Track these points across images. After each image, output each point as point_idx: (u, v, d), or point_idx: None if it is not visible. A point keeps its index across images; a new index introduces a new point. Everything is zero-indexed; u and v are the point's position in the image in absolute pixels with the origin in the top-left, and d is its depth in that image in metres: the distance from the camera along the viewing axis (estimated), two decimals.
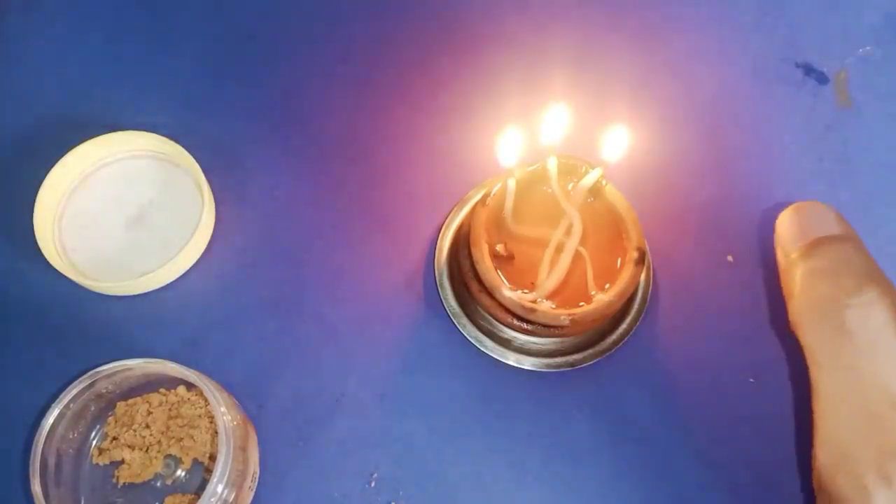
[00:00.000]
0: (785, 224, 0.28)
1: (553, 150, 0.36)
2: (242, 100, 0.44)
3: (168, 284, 0.40)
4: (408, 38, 0.46)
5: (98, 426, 0.36)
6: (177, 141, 0.41)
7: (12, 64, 0.46)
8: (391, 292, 0.40)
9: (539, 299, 0.35)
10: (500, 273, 0.36)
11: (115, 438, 0.35)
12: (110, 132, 0.41)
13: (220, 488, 0.31)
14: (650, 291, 0.40)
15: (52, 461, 0.32)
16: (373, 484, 0.36)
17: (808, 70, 0.46)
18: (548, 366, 0.38)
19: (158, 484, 0.35)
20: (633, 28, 0.47)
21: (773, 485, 0.36)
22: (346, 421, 0.37)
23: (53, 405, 0.33)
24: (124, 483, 0.35)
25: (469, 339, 0.38)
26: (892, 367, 0.22)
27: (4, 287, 0.40)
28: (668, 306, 0.40)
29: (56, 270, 0.38)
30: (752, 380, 0.38)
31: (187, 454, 0.35)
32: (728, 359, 0.39)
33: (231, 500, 0.32)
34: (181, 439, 0.35)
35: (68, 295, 0.39)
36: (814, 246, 0.25)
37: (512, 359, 0.38)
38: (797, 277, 0.25)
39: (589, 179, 0.36)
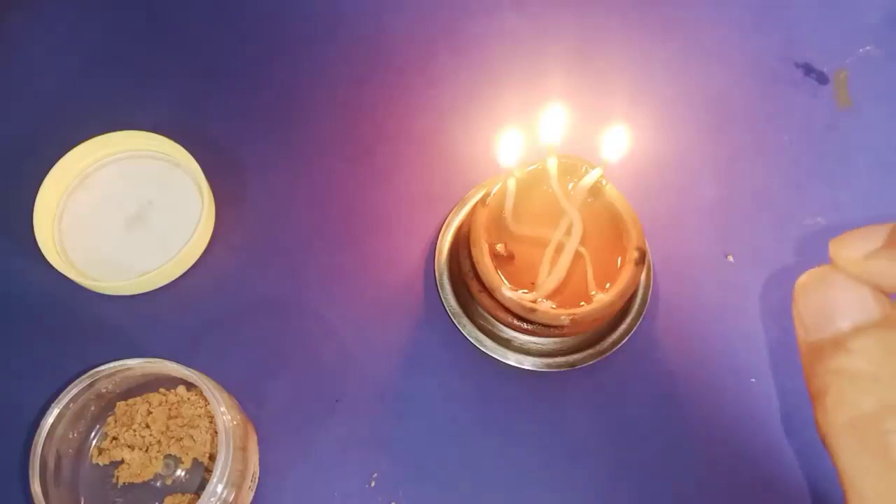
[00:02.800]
0: (808, 296, 0.22)
1: (553, 150, 0.36)
2: (242, 100, 0.45)
3: (168, 284, 0.40)
4: (407, 38, 0.46)
5: (98, 426, 0.36)
6: (177, 141, 0.41)
7: (12, 64, 0.46)
8: (391, 292, 0.40)
9: (539, 299, 0.35)
10: (500, 273, 0.36)
11: (114, 438, 0.35)
12: (110, 132, 0.41)
13: (220, 488, 0.31)
14: (650, 291, 0.40)
15: (51, 461, 0.32)
16: (373, 484, 0.36)
17: (808, 70, 0.46)
18: (548, 366, 0.38)
19: (158, 484, 0.35)
20: (632, 28, 0.47)
21: (773, 485, 0.36)
22: (345, 421, 0.37)
23: (53, 405, 0.33)
24: (124, 483, 0.35)
25: (469, 339, 0.38)
26: None
27: (4, 287, 0.40)
28: (668, 306, 0.40)
29: (56, 270, 0.38)
30: (752, 380, 0.38)
31: (187, 454, 0.35)
32: (728, 359, 0.39)
33: (231, 500, 0.32)
34: (181, 439, 0.35)
35: (68, 295, 0.39)
36: (847, 337, 0.20)
37: (512, 359, 0.38)
38: (826, 375, 0.21)
39: (589, 179, 0.36)
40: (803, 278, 0.22)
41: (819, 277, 0.21)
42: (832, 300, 0.21)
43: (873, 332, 0.20)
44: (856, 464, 0.20)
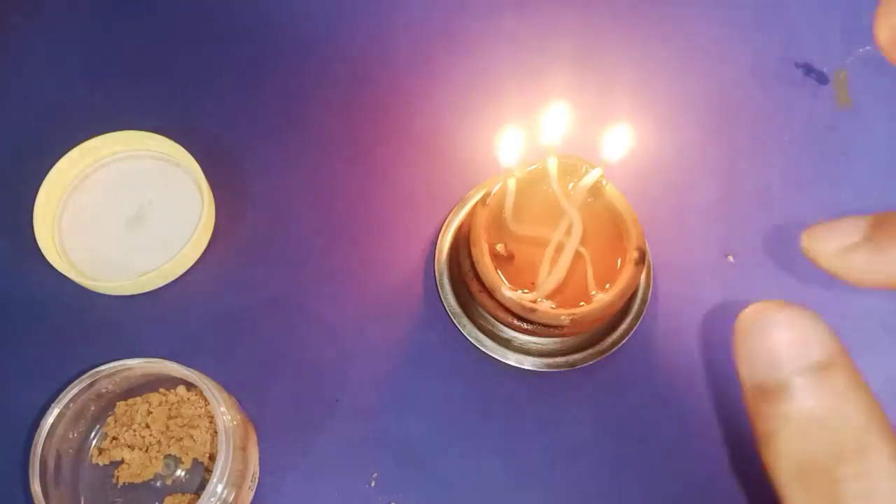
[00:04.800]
0: (751, 334, 0.20)
1: (553, 150, 0.36)
2: (242, 100, 0.44)
3: (168, 284, 0.40)
4: (407, 38, 0.46)
5: (98, 426, 0.36)
6: (177, 141, 0.41)
7: (12, 64, 0.46)
8: (391, 292, 0.40)
9: (539, 299, 0.35)
10: (500, 273, 0.36)
11: (114, 438, 0.35)
12: (110, 132, 0.41)
13: (220, 488, 0.31)
14: (650, 291, 0.40)
15: (51, 461, 0.32)
16: (373, 484, 0.36)
17: (808, 70, 0.46)
18: (548, 366, 0.38)
19: (158, 484, 0.35)
20: (633, 27, 0.47)
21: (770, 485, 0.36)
22: (345, 421, 0.37)
23: (53, 405, 0.33)
24: (124, 483, 0.35)
25: (469, 339, 0.38)
26: None
27: (4, 287, 0.40)
28: (668, 306, 0.40)
29: (56, 270, 0.38)
30: None
31: (187, 454, 0.35)
32: (728, 359, 0.39)
33: (231, 500, 0.32)
34: (181, 439, 0.35)
35: (68, 295, 0.39)
36: (792, 380, 0.19)
37: (512, 359, 0.38)
38: (772, 419, 0.20)
39: (589, 179, 0.36)
40: (744, 314, 0.21)
41: (761, 315, 0.20)
42: (776, 340, 0.20)
43: (818, 375, 0.19)
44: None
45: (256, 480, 0.35)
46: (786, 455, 0.19)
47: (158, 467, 0.35)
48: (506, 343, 0.38)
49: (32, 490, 0.31)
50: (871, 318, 0.40)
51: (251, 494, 0.35)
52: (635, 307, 0.39)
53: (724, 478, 0.37)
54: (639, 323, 0.39)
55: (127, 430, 0.35)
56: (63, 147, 0.41)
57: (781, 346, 0.20)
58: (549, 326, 0.35)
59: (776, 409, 0.20)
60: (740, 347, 0.21)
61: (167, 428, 0.35)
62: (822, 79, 0.46)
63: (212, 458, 0.35)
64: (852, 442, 0.19)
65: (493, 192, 0.36)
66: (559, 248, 0.36)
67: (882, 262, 0.20)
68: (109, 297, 0.39)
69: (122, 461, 0.35)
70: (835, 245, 0.20)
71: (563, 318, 0.34)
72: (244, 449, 0.33)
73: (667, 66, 0.46)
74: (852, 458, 0.18)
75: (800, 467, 0.19)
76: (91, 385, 0.33)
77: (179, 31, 0.47)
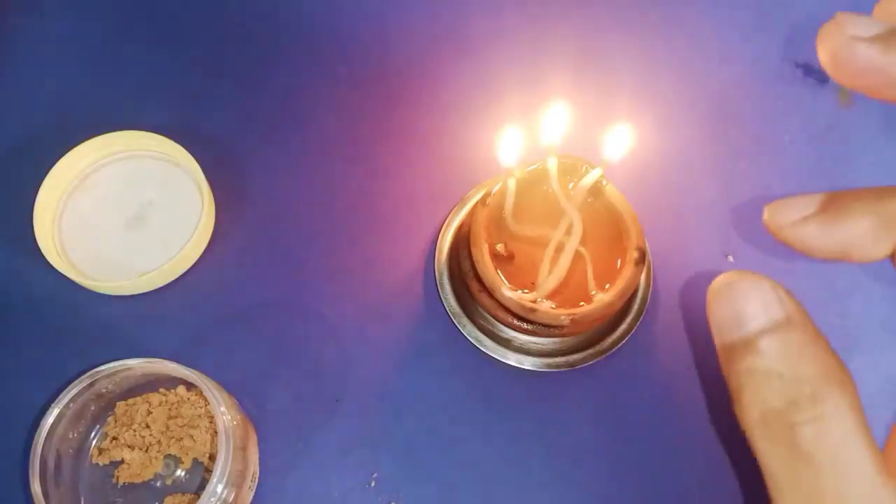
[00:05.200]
0: (719, 300, 0.23)
1: (553, 150, 0.36)
2: (242, 100, 0.44)
3: (168, 284, 0.40)
4: (407, 38, 0.46)
5: (98, 426, 0.36)
6: (177, 141, 0.41)
7: (12, 64, 0.46)
8: (391, 292, 0.40)
9: (539, 299, 0.35)
10: (500, 273, 0.36)
11: (114, 438, 0.35)
12: (110, 132, 0.41)
13: (220, 488, 0.31)
14: (650, 291, 0.40)
15: (51, 461, 0.32)
16: (373, 484, 0.36)
17: (808, 70, 0.46)
18: (548, 366, 0.38)
19: (158, 484, 0.35)
20: (633, 27, 0.47)
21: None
22: (345, 421, 0.37)
23: (53, 405, 0.33)
24: (124, 483, 0.35)
25: (469, 339, 0.38)
26: (858, 486, 0.19)
27: (4, 287, 0.40)
28: (668, 306, 0.40)
29: (56, 270, 0.38)
30: None
31: (187, 454, 0.35)
32: None
33: (231, 500, 0.32)
34: (181, 439, 0.35)
35: (68, 295, 0.39)
36: (755, 338, 0.22)
37: (512, 359, 0.38)
38: (740, 375, 0.22)
39: (589, 179, 0.36)
40: (715, 283, 0.23)
41: (728, 282, 0.23)
42: (740, 304, 0.22)
43: (778, 332, 0.21)
44: (770, 456, 0.21)
45: (256, 480, 0.35)
46: (750, 406, 0.22)
47: (158, 467, 0.35)
48: (506, 343, 0.38)
49: (32, 490, 0.31)
50: (871, 318, 0.40)
51: (251, 494, 0.35)
52: (635, 307, 0.39)
53: (724, 477, 0.37)
54: (639, 323, 0.39)
55: (127, 430, 0.35)
56: (63, 147, 0.41)
57: (744, 308, 0.22)
58: (549, 326, 0.35)
59: (742, 366, 0.22)
60: (711, 314, 0.23)
61: (167, 428, 0.35)
62: (822, 79, 0.46)
63: (212, 458, 0.35)
64: (808, 391, 0.20)
65: (493, 192, 0.36)
66: (559, 248, 0.36)
67: (832, 233, 0.22)
68: (109, 297, 0.39)
69: (122, 461, 0.35)
70: (791, 217, 0.23)
71: (563, 318, 0.34)
72: (244, 449, 0.33)
73: (667, 65, 0.46)
74: (808, 405, 0.20)
75: (762, 416, 0.21)
76: (91, 385, 0.33)
77: (180, 31, 0.47)
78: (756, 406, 0.21)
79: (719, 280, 0.23)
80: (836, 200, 0.23)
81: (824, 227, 0.22)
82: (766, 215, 0.23)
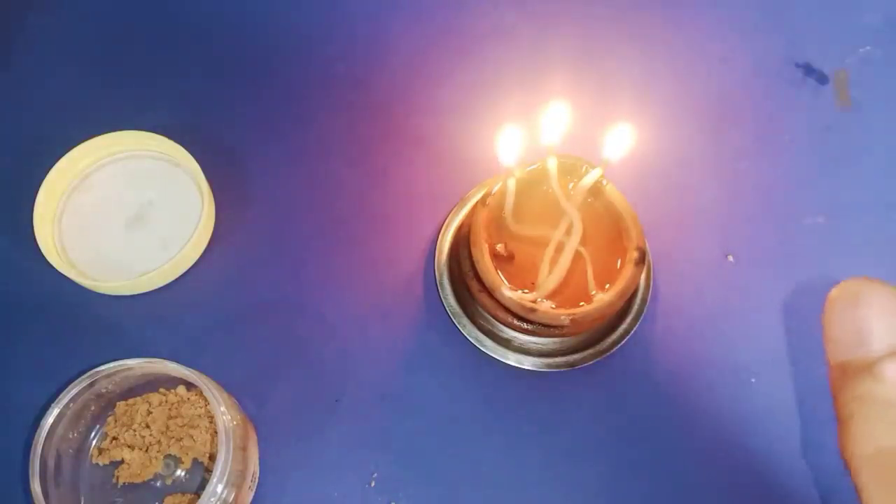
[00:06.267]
0: (841, 311, 0.20)
1: (553, 150, 0.36)
2: (242, 100, 0.44)
3: (168, 284, 0.40)
4: (407, 38, 0.46)
5: (98, 426, 0.36)
6: (177, 141, 0.41)
7: (13, 64, 0.46)
8: (391, 292, 0.40)
9: (539, 299, 0.35)
10: (500, 273, 0.36)
11: (115, 438, 0.35)
12: (110, 132, 0.41)
13: (220, 488, 0.31)
14: (650, 291, 0.40)
15: (51, 461, 0.32)
16: (373, 484, 0.36)
17: (808, 70, 0.46)
18: (548, 366, 0.38)
19: (158, 484, 0.35)
20: (633, 28, 0.47)
21: (773, 485, 0.36)
22: (346, 421, 0.37)
23: (53, 405, 0.33)
24: (124, 483, 0.35)
25: (469, 339, 0.38)
26: None
27: (4, 287, 0.40)
28: (668, 306, 0.40)
29: (56, 270, 0.38)
30: (752, 380, 0.38)
31: (187, 454, 0.35)
32: (728, 359, 0.39)
33: (231, 500, 0.32)
34: (181, 439, 0.35)
35: (68, 295, 0.39)
36: (880, 361, 0.19)
37: (512, 359, 0.38)
38: (853, 400, 0.19)
39: (589, 179, 0.36)
40: (836, 291, 0.20)
41: (854, 292, 0.20)
42: (867, 320, 0.19)
43: None
44: (879, 498, 0.18)
45: (256, 480, 0.35)
46: (862, 438, 0.19)
47: (158, 467, 0.35)
48: (506, 343, 0.38)
49: (32, 490, 0.31)
50: None
51: (251, 494, 0.35)
52: (635, 307, 0.39)
53: (724, 477, 0.37)
54: (639, 323, 0.39)
55: (127, 430, 0.35)
56: (63, 147, 0.41)
57: (870, 326, 0.19)
58: (549, 326, 0.35)
59: (857, 390, 0.19)
60: (828, 324, 0.20)
61: (167, 428, 0.35)
62: (822, 79, 0.46)
63: (212, 458, 0.35)
64: None
65: (493, 192, 0.36)
66: (559, 248, 0.36)
67: None
68: (109, 297, 0.39)
69: (122, 461, 0.35)
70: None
71: (563, 318, 0.34)
72: (244, 449, 0.33)
73: (667, 66, 0.46)
74: None
75: (876, 451, 0.18)
76: (91, 385, 0.33)
77: (180, 31, 0.47)
78: (868, 440, 0.19)
79: (843, 287, 0.20)
80: None
81: None
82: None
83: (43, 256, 0.38)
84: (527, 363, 0.38)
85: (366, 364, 0.38)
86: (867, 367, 0.19)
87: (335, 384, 0.38)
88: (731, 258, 0.41)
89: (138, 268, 0.39)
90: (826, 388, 0.20)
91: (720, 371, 0.39)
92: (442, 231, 0.41)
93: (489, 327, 0.38)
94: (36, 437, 0.32)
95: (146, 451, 0.35)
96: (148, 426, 0.35)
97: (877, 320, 0.19)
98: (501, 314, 0.36)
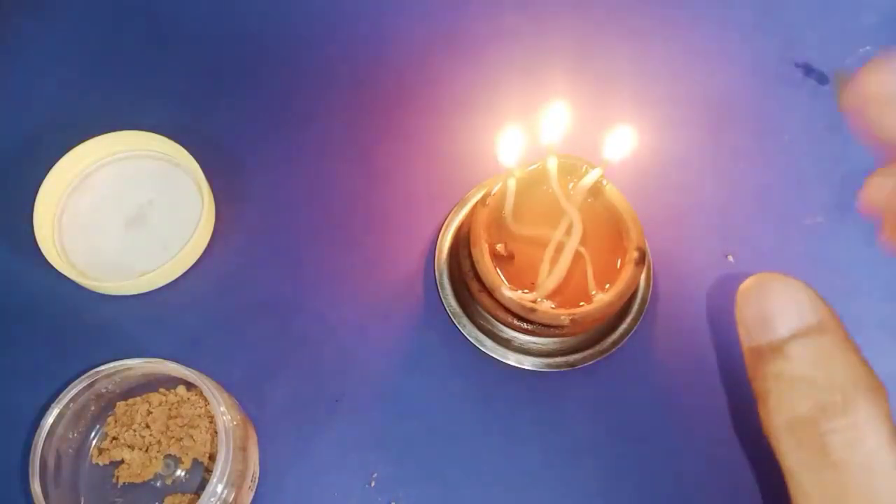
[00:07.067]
0: (748, 303, 0.22)
1: (553, 150, 0.36)
2: (242, 100, 0.44)
3: (168, 284, 0.40)
4: (408, 38, 0.46)
5: (98, 426, 0.36)
6: (177, 141, 0.41)
7: (12, 64, 0.46)
8: (391, 292, 0.40)
9: (539, 299, 0.35)
10: (500, 273, 0.36)
11: (114, 438, 0.35)
12: (110, 132, 0.41)
13: (219, 488, 0.31)
14: (650, 291, 0.40)
15: (51, 461, 0.32)
16: (373, 484, 0.36)
17: (808, 70, 0.46)
18: (548, 366, 0.38)
19: (158, 484, 0.35)
20: (633, 28, 0.47)
21: (773, 485, 0.36)
22: (345, 421, 0.37)
23: (53, 405, 0.33)
24: (124, 483, 0.35)
25: (469, 339, 0.38)
26: (890, 493, 0.19)
27: (4, 287, 0.40)
28: (668, 306, 0.40)
29: (56, 270, 0.38)
30: None
31: (187, 454, 0.35)
32: (728, 359, 0.39)
33: (231, 500, 0.32)
34: (181, 439, 0.35)
35: (68, 295, 0.39)
36: (785, 342, 0.21)
37: (512, 359, 0.38)
38: (767, 378, 0.21)
39: (589, 179, 0.36)
40: (745, 283, 0.23)
41: (759, 283, 0.23)
42: (771, 306, 0.22)
43: (809, 337, 0.21)
44: (797, 462, 0.21)
45: (256, 480, 0.35)
46: (777, 411, 0.21)
47: (158, 467, 0.35)
48: (506, 343, 0.38)
49: (32, 490, 0.31)
50: (870, 319, 0.40)
51: (251, 494, 0.35)
52: (635, 307, 0.39)
53: (725, 477, 0.37)
54: (639, 323, 0.39)
55: (127, 430, 0.35)
56: (63, 147, 0.41)
57: (775, 311, 0.22)
58: (549, 326, 0.35)
59: (770, 369, 0.22)
60: (740, 314, 0.23)
61: (167, 428, 0.35)
62: (822, 79, 0.46)
63: (212, 458, 0.35)
64: (840, 398, 0.20)
65: (493, 192, 0.36)
66: (559, 248, 0.36)
67: None
68: (109, 297, 0.39)
69: (122, 461, 0.35)
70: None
71: (563, 318, 0.34)
72: (244, 449, 0.33)
73: (667, 66, 0.46)
74: (839, 413, 0.20)
75: (790, 421, 0.21)
76: (91, 385, 0.33)
77: (179, 31, 0.47)
78: (783, 412, 0.21)
79: (750, 280, 0.23)
80: None
81: None
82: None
83: (43, 257, 0.38)
84: (527, 363, 0.38)
85: (366, 364, 0.38)
86: (777, 349, 0.22)
87: (335, 384, 0.38)
88: (731, 258, 0.41)
89: (138, 268, 0.39)
90: None
91: (720, 371, 0.39)
92: (442, 231, 0.41)
93: (489, 327, 0.38)
94: (36, 437, 0.32)
95: (146, 451, 0.35)
96: (148, 426, 0.35)
97: (780, 305, 0.22)
98: (501, 314, 0.36)
